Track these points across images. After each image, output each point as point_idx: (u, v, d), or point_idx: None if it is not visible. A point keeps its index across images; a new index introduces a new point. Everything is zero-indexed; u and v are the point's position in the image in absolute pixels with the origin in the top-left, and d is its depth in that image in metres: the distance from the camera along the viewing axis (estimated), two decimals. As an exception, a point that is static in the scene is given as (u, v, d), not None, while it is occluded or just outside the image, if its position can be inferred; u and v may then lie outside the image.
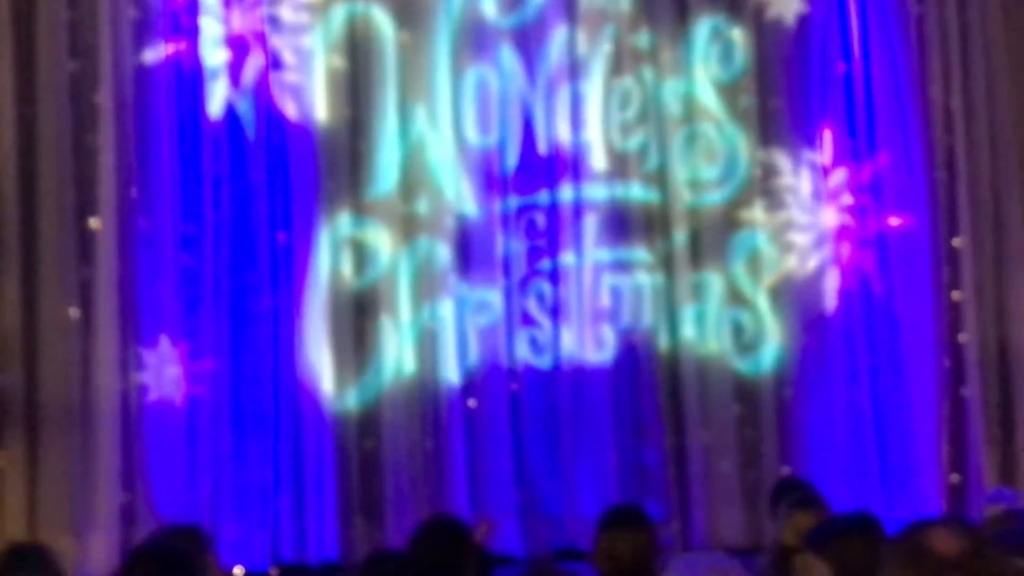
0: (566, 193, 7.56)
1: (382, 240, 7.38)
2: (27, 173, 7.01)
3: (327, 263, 7.31)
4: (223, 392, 7.14)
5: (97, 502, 6.91)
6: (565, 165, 7.58)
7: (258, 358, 7.21)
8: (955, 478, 7.62)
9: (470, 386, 7.39)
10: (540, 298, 7.52)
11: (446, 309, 7.41)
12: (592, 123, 7.61)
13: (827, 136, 7.77)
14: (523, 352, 7.48)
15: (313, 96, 7.36)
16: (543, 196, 7.56)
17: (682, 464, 7.52)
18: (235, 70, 7.28)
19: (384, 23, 7.47)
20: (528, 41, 7.60)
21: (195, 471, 7.06)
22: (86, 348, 7.01)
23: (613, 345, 7.53)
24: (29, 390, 6.93)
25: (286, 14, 7.38)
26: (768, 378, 7.66)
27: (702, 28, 7.76)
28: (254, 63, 7.30)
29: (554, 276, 7.52)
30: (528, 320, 7.49)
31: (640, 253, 7.62)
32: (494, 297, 7.45)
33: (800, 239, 7.75)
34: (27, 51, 7.04)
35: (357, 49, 7.42)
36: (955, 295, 7.73)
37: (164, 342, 7.09)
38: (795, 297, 7.69)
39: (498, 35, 7.55)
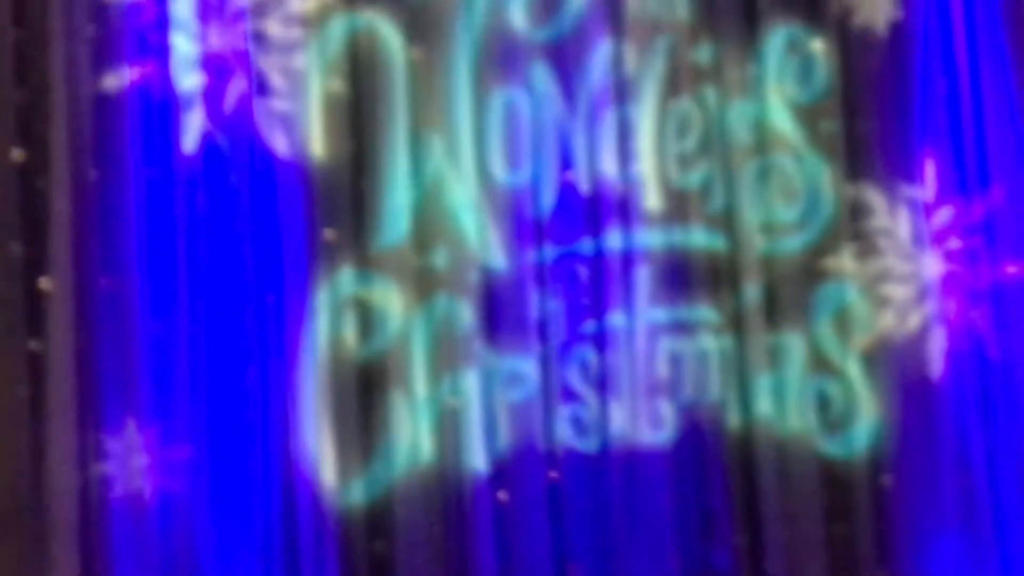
0: (614, 240, 7.23)
1: (392, 300, 7.07)
2: (-38, 224, 6.80)
3: (326, 328, 7.00)
4: (201, 485, 6.83)
5: (50, 618, 6.65)
6: (612, 207, 7.25)
7: (244, 445, 6.90)
8: (1089, 581, 7.24)
9: (500, 475, 7.08)
10: (584, 368, 7.18)
11: (470, 382, 7.08)
12: (644, 155, 7.28)
13: (929, 168, 7.42)
14: (564, 434, 7.15)
15: (307, 127, 7.07)
16: (586, 244, 7.24)
17: (759, 568, 7.17)
18: (213, 97, 6.99)
19: (392, 38, 7.17)
20: (566, 57, 7.29)
21: None
22: (37, 435, 6.73)
23: (673, 424, 7.19)
24: (-30, 485, 6.69)
25: (274, 29, 7.07)
26: (862, 462, 7.27)
27: (776, 39, 7.41)
28: (236, 88, 7.01)
29: (600, 341, 7.18)
30: (570, 395, 7.17)
31: (704, 312, 7.27)
32: (528, 367, 7.13)
33: (898, 292, 7.38)
34: (-37, 78, 6.89)
35: (360, 70, 7.13)
36: (1086, 358, 7.37)
37: (130, 427, 6.80)
38: (893, 362, 7.32)
39: (530, 51, 7.25)
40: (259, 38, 7.00)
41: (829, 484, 7.21)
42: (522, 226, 7.16)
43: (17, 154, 6.71)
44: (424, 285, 7.06)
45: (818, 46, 7.38)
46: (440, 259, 7.06)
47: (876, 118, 7.37)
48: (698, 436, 7.17)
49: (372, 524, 6.94)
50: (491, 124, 7.16)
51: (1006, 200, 7.39)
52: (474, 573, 6.97)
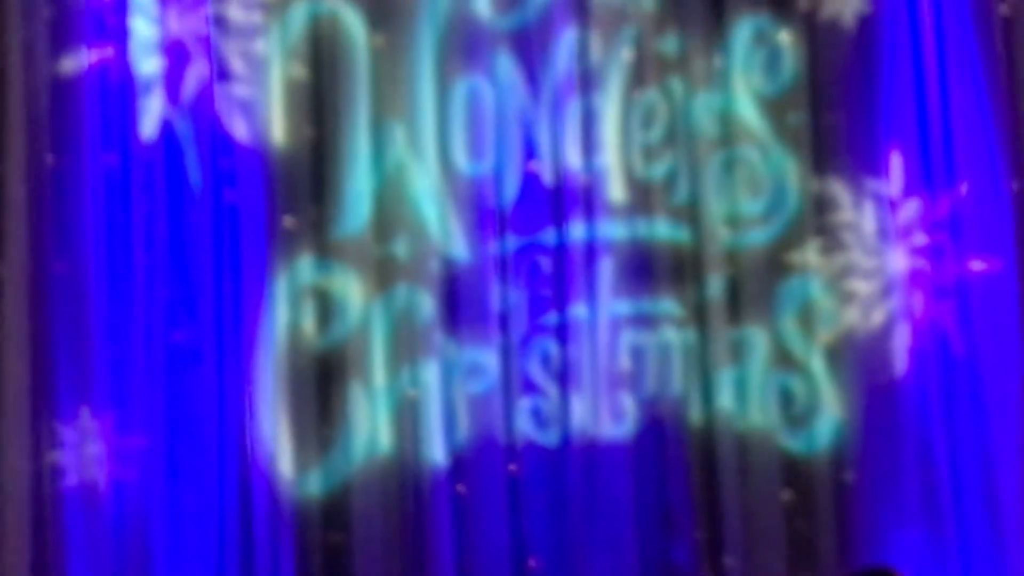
0: (577, 232, 7.24)
1: (352, 289, 7.08)
2: (-87, 208, 6.80)
3: (284, 317, 7.02)
4: (156, 475, 6.84)
5: (-1, 609, 6.67)
6: (575, 198, 7.26)
7: (200, 434, 6.92)
8: (1053, 578, 7.30)
9: (459, 467, 7.08)
10: (545, 360, 7.19)
11: (430, 373, 7.09)
12: (609, 146, 7.29)
13: (895, 161, 7.42)
14: (524, 426, 7.15)
15: (268, 113, 7.08)
16: (549, 235, 7.25)
17: (718, 562, 7.17)
18: (173, 81, 7.00)
19: (354, 24, 7.18)
20: (530, 46, 7.29)
21: (122, 570, 6.78)
22: None
23: (634, 417, 7.19)
24: (-81, 474, 6.71)
25: (235, 14, 7.08)
26: (824, 458, 7.28)
27: (742, 30, 7.42)
28: (196, 73, 7.03)
29: (562, 333, 7.19)
30: (530, 387, 7.18)
31: (667, 305, 7.28)
32: (489, 359, 7.13)
33: (863, 287, 7.39)
34: (-84, 61, 6.87)
35: (321, 56, 7.15)
36: (1051, 354, 7.44)
37: (85, 415, 6.81)
38: (857, 358, 7.32)
39: (494, 39, 7.25)
40: (220, 23, 7.00)
41: (791, 480, 7.20)
42: (484, 216, 7.16)
43: (-28, 137, 6.75)
44: (384, 274, 7.06)
45: (785, 38, 7.39)
46: (401, 248, 7.07)
47: (843, 111, 7.38)
48: (659, 430, 7.17)
49: (329, 515, 6.94)
50: (454, 113, 7.17)
51: (973, 196, 7.37)
52: (432, 566, 6.97)
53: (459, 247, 7.15)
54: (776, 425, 7.26)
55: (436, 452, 7.03)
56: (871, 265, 7.37)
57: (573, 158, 7.23)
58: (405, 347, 7.06)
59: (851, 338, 7.32)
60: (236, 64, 7.02)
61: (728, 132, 7.35)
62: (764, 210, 7.35)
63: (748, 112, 7.37)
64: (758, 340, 7.29)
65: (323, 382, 7.00)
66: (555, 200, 7.23)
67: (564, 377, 7.15)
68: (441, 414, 7.05)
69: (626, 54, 7.30)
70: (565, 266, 7.20)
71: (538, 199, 7.22)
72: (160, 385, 6.85)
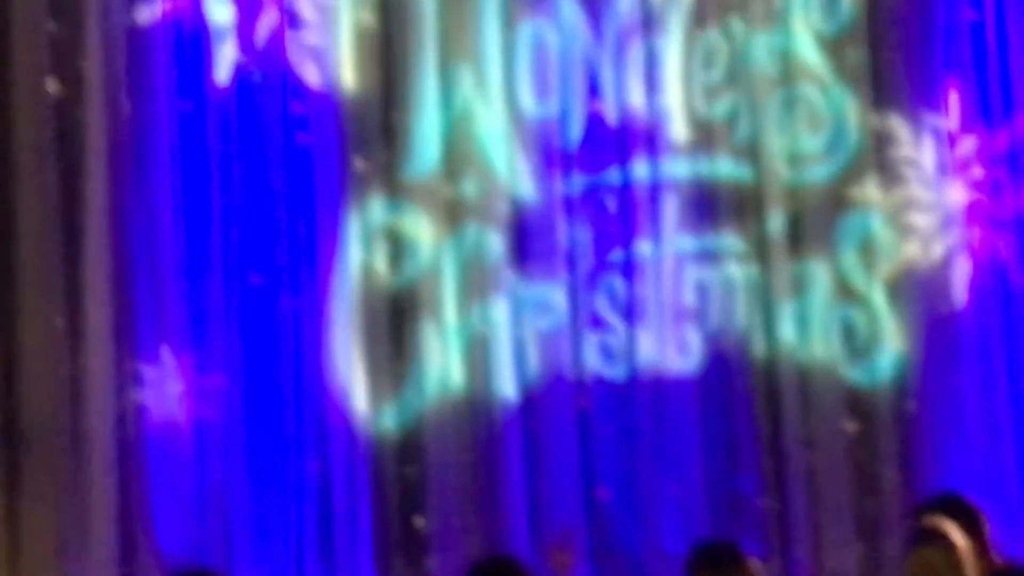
0: (641, 170, 7.40)
1: (422, 229, 7.25)
2: (1, 151, 6.87)
3: (357, 257, 7.19)
4: (235, 412, 7.02)
5: (90, 541, 6.82)
6: (639, 137, 7.43)
7: (276, 372, 7.10)
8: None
9: (529, 402, 7.24)
10: (612, 296, 7.36)
11: (500, 311, 7.27)
12: (671, 87, 7.45)
13: (953, 97, 7.57)
14: (592, 361, 7.32)
15: (338, 59, 7.23)
16: (613, 174, 7.41)
17: (784, 492, 7.34)
18: (245, 30, 7.14)
19: None
20: None
21: (204, 505, 6.96)
22: (74, 363, 6.89)
23: (699, 351, 7.37)
24: (8, 413, 6.82)
25: None
26: (886, 389, 7.45)
27: None
28: (268, 21, 7.17)
29: (628, 270, 7.37)
30: (598, 323, 7.34)
31: (730, 241, 7.45)
32: (557, 295, 7.30)
33: (922, 221, 7.54)
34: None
35: (390, 2, 7.29)
36: (1110, 285, 7.55)
37: (166, 354, 6.98)
38: (917, 291, 7.49)
39: None
40: (291, -29, 7.21)
41: (854, 411, 7.37)
42: (550, 156, 7.33)
43: (53, 86, 6.87)
44: (454, 214, 7.24)
45: (843, -23, 7.57)
46: (469, 188, 7.24)
47: (901, 48, 7.49)
48: (724, 363, 7.34)
49: (403, 450, 7.12)
50: (519, 55, 7.32)
51: (1030, 130, 7.59)
52: (503, 497, 7.14)
53: (526, 187, 7.32)
54: (838, 357, 7.41)
55: (507, 387, 7.21)
56: (930, 199, 7.51)
57: (636, 98, 7.39)
58: (475, 285, 7.23)
59: (911, 271, 7.48)
60: (306, 11, 7.17)
61: (788, 71, 7.48)
62: (824, 147, 7.49)
63: (807, 51, 7.50)
64: (820, 274, 7.44)
65: (396, 320, 7.17)
66: (619, 140, 7.39)
67: (630, 313, 7.32)
68: (511, 350, 7.23)
69: (687, -5, 7.50)
70: (630, 204, 7.37)
71: (603, 139, 7.38)
72: (237, 324, 7.02)
